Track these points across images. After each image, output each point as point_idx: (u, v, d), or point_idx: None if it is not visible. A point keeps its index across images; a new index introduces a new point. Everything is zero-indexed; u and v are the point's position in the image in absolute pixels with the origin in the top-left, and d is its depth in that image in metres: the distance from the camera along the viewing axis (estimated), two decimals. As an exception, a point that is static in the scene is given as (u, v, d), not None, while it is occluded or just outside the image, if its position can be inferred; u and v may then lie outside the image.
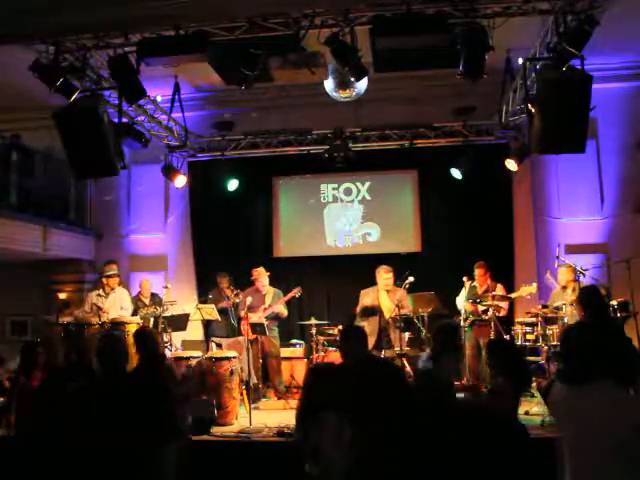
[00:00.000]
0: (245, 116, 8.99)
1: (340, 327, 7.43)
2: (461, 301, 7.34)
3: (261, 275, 7.54)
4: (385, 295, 6.82)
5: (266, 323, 7.11)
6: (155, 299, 8.02)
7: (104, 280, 7.72)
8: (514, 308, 8.10)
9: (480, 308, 7.11)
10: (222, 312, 7.61)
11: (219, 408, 5.91)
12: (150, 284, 8.25)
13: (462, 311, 7.29)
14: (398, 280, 7.14)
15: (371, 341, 6.51)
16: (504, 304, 7.13)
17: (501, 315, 7.09)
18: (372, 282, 7.10)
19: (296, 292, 7.53)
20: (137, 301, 8.00)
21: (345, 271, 8.84)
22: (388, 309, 6.69)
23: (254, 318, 7.20)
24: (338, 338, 6.96)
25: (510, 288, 7.66)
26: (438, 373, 3.89)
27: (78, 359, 6.87)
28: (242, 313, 7.08)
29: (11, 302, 9.31)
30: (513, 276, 8.47)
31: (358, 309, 6.97)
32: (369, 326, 6.58)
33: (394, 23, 5.10)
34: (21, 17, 5.59)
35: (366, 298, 6.95)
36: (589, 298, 4.53)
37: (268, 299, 7.52)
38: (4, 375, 7.23)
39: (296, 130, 8.65)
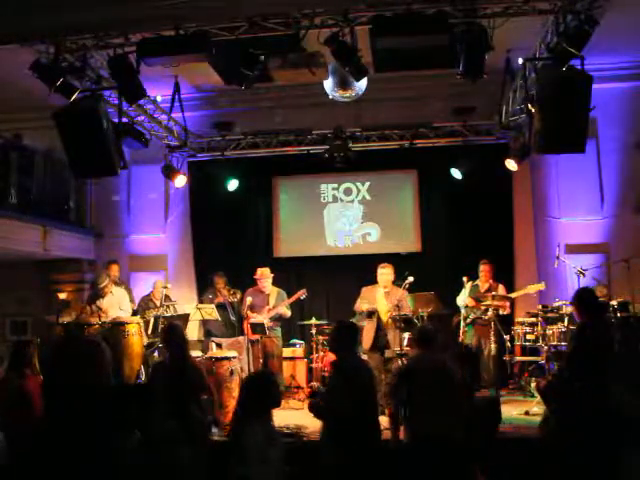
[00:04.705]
0: (245, 116, 8.99)
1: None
2: (462, 300, 7.33)
3: (264, 276, 7.48)
4: (382, 296, 6.79)
5: (270, 324, 7.10)
6: (166, 300, 7.88)
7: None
8: (514, 308, 8.11)
9: (482, 306, 7.10)
10: (220, 307, 7.63)
11: (219, 408, 5.91)
12: (163, 285, 8.00)
13: (463, 310, 7.28)
14: (398, 280, 7.15)
15: (368, 341, 6.60)
16: (507, 302, 7.16)
17: (506, 313, 7.11)
18: (372, 282, 7.09)
19: (301, 294, 7.45)
20: (148, 301, 7.95)
21: (345, 271, 8.84)
22: (383, 311, 6.66)
23: (258, 318, 7.19)
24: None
25: (510, 288, 7.67)
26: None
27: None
28: (244, 313, 7.08)
29: (11, 302, 9.32)
30: (513, 276, 8.47)
31: (356, 307, 6.97)
32: (369, 325, 6.66)
33: (394, 23, 5.09)
34: (21, 17, 5.59)
35: (364, 298, 6.92)
36: (587, 299, 4.52)
37: (272, 299, 7.47)
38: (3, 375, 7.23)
39: (296, 130, 8.64)
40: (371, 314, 6.70)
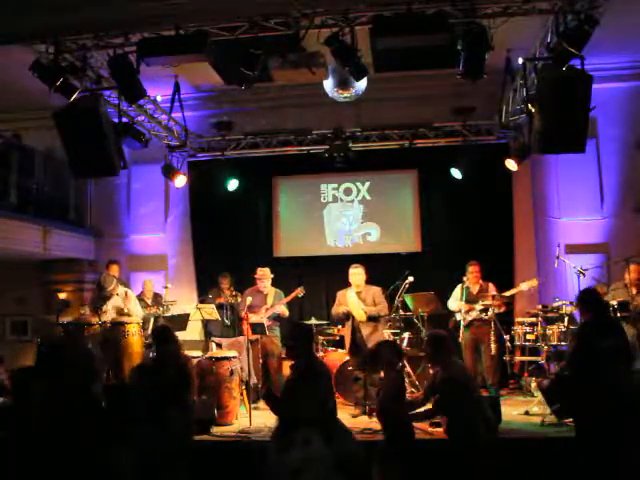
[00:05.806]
0: (245, 116, 8.99)
1: (339, 327, 7.47)
2: (455, 305, 7.23)
3: (265, 276, 7.46)
4: (353, 297, 6.76)
5: (268, 323, 7.11)
6: (157, 299, 8.02)
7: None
8: (514, 308, 8.11)
9: (477, 308, 7.03)
10: (221, 307, 7.66)
11: (219, 408, 5.91)
12: (153, 284, 8.28)
13: (457, 315, 7.20)
14: (398, 280, 7.15)
15: (347, 343, 6.72)
16: (502, 301, 7.14)
17: (501, 311, 7.09)
18: (372, 282, 7.08)
19: (299, 292, 7.47)
20: (139, 301, 7.99)
21: (345, 271, 8.76)
22: (357, 311, 6.65)
23: (255, 318, 7.19)
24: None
25: (510, 288, 7.63)
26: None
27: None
28: (242, 314, 7.09)
29: (11, 302, 9.32)
30: (513, 276, 8.46)
31: (333, 312, 6.98)
32: (346, 328, 6.78)
33: (394, 23, 5.09)
34: (21, 17, 5.59)
35: (340, 302, 6.89)
36: (589, 299, 4.54)
37: (270, 299, 7.48)
38: (4, 375, 7.23)
39: (296, 130, 8.65)
40: (347, 316, 6.70)
